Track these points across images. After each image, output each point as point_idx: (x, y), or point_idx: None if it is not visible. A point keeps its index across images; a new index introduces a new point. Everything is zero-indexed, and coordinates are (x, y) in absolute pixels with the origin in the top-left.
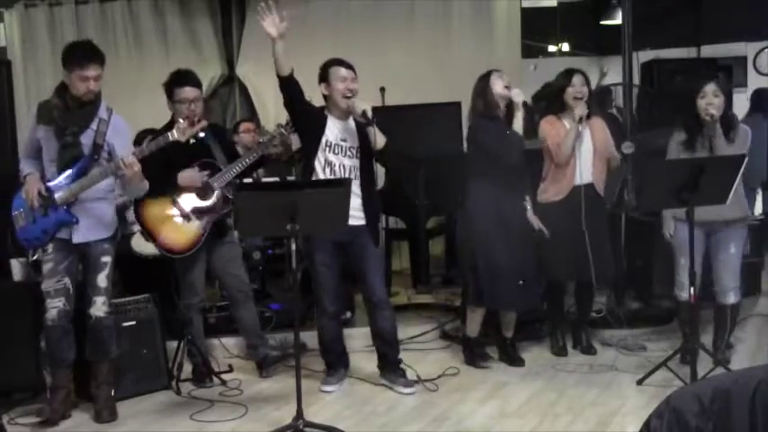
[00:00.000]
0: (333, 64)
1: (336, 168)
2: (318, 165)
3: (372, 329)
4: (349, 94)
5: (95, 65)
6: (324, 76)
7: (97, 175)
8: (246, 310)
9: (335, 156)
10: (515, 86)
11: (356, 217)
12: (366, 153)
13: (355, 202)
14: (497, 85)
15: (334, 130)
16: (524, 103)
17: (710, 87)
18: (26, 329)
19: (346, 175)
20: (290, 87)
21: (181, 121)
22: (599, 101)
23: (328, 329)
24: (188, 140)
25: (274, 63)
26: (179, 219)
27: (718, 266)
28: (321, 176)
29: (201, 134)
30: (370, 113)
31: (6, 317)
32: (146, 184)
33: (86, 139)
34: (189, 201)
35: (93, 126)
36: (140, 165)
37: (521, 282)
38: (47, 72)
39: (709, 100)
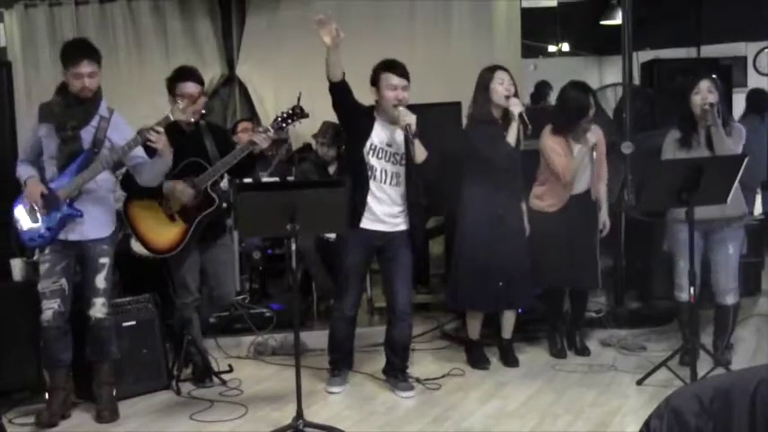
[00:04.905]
0: (385, 69)
1: (378, 173)
2: (360, 167)
3: (387, 335)
4: (397, 103)
5: (88, 61)
6: (375, 80)
7: (99, 166)
8: (202, 314)
9: (378, 160)
10: (517, 88)
11: (392, 224)
12: (412, 161)
13: (394, 209)
14: (497, 93)
15: (380, 133)
16: (520, 115)
17: (705, 84)
18: (26, 329)
19: (387, 181)
20: (339, 92)
21: (179, 101)
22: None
23: (342, 330)
24: (183, 134)
25: (326, 69)
26: (164, 219)
27: (716, 267)
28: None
29: (200, 114)
30: (414, 128)
31: (6, 317)
32: (171, 156)
33: (87, 135)
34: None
35: (94, 123)
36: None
37: (500, 284)
38: (47, 72)
39: (704, 96)
